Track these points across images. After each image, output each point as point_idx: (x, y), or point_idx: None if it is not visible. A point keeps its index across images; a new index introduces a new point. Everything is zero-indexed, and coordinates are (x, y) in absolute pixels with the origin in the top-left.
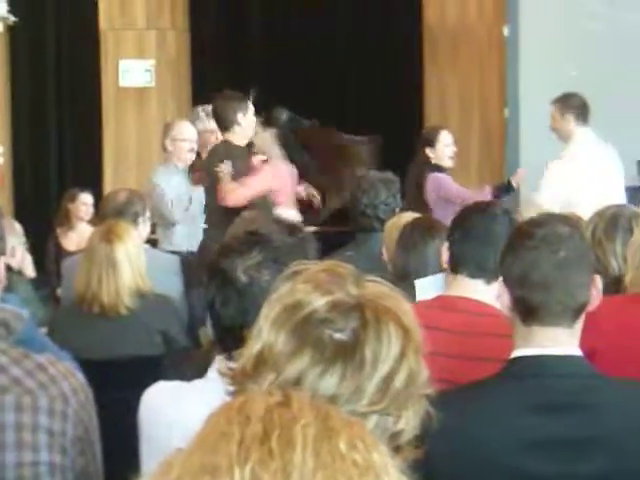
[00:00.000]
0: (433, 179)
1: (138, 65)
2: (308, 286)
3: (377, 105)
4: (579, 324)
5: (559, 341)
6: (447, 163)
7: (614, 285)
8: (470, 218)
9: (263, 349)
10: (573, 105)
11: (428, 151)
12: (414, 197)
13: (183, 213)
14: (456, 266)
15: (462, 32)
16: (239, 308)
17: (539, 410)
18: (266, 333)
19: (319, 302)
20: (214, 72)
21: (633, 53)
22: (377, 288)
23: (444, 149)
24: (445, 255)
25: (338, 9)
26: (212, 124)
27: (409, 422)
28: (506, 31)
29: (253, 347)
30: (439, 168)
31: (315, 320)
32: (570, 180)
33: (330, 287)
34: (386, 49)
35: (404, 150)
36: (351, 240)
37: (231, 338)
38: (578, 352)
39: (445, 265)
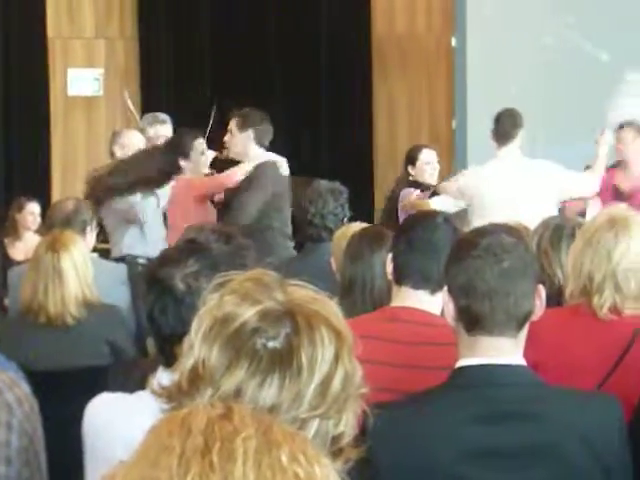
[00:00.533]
0: (402, 194)
1: (86, 74)
2: (236, 297)
3: (326, 116)
4: (523, 334)
5: (503, 350)
6: (426, 180)
7: (559, 295)
8: (412, 228)
9: (197, 364)
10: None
11: (409, 168)
12: (388, 211)
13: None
14: (400, 277)
15: (411, 43)
16: (178, 317)
17: (484, 419)
18: (198, 348)
19: (249, 312)
20: (163, 81)
21: (577, 68)
22: (303, 292)
23: (424, 166)
24: (389, 266)
25: (287, 19)
26: (161, 130)
27: (348, 423)
28: (454, 42)
29: (186, 363)
30: (417, 184)
31: (247, 331)
32: (463, 193)
33: (258, 296)
34: (335, 60)
35: (354, 158)
36: (299, 249)
37: (171, 348)
38: (522, 361)
39: (390, 276)
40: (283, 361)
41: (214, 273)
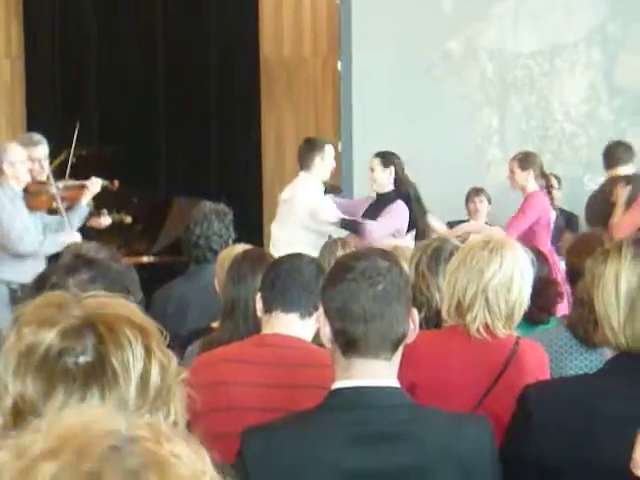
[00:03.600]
0: None
1: None
2: (33, 326)
3: (215, 140)
4: (397, 356)
5: (378, 373)
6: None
7: (437, 318)
8: (278, 265)
9: (16, 402)
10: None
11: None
12: None
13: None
14: (269, 306)
15: (297, 66)
16: None
17: (358, 441)
18: (12, 386)
19: (50, 336)
20: (48, 99)
21: (461, 95)
22: (98, 300)
23: None
24: (259, 303)
25: (174, 40)
26: (35, 152)
27: (178, 412)
28: (340, 65)
29: (5, 403)
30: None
31: (54, 354)
32: None
33: (55, 318)
34: (223, 84)
35: (239, 179)
36: (184, 271)
37: None
38: (396, 384)
39: (259, 314)
40: (97, 372)
41: (107, 280)
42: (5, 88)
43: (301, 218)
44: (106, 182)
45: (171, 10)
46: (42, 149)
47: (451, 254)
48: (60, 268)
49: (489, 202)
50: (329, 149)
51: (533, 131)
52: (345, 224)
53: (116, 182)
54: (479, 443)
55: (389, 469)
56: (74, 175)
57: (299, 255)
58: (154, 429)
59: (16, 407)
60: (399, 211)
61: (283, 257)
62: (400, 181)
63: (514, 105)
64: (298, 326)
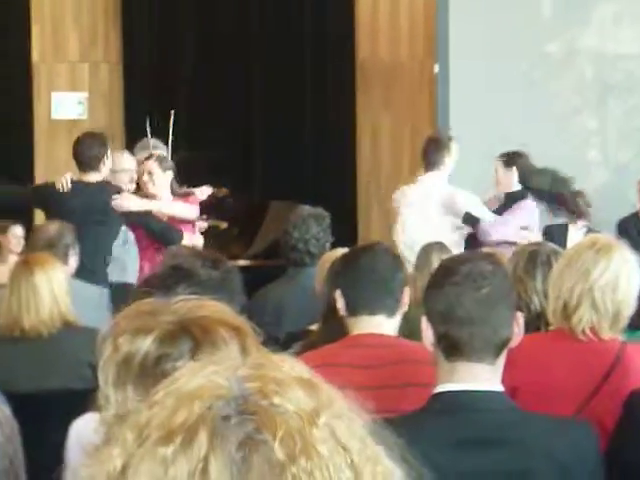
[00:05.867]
0: None
1: (71, 98)
2: (128, 335)
3: (311, 142)
4: (501, 360)
5: (481, 377)
6: None
7: (536, 322)
8: (355, 261)
9: (118, 412)
10: None
11: None
12: None
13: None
14: (355, 308)
15: (394, 70)
16: None
17: (461, 445)
18: (113, 396)
19: (146, 343)
20: (147, 105)
21: (559, 98)
22: (189, 304)
23: None
24: (340, 301)
25: (270, 42)
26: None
27: None
28: (437, 68)
29: (108, 413)
30: None
31: (151, 361)
32: None
33: (149, 325)
34: (319, 85)
35: (336, 185)
36: (283, 274)
37: None
38: (500, 388)
39: (342, 312)
40: None
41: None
42: (103, 94)
43: (449, 217)
44: (214, 190)
45: (268, 13)
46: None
47: (548, 257)
48: (158, 283)
49: (588, 205)
50: (455, 145)
51: (634, 133)
52: (466, 218)
53: (224, 189)
54: (583, 448)
55: (493, 473)
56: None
57: (372, 248)
58: (263, 379)
59: (119, 418)
60: (525, 208)
61: (357, 252)
62: (525, 178)
63: (613, 107)
64: (386, 325)
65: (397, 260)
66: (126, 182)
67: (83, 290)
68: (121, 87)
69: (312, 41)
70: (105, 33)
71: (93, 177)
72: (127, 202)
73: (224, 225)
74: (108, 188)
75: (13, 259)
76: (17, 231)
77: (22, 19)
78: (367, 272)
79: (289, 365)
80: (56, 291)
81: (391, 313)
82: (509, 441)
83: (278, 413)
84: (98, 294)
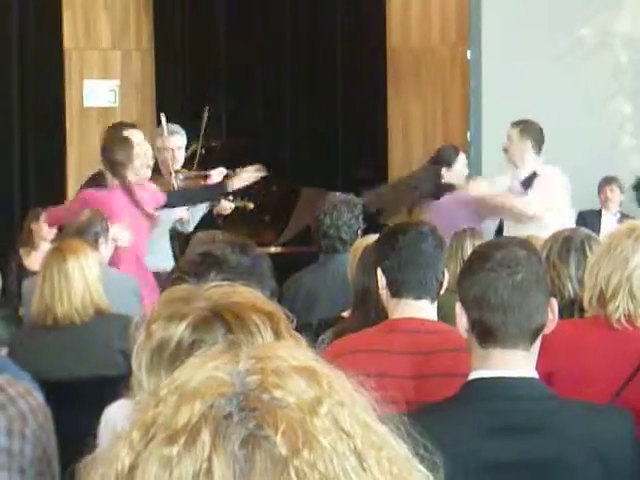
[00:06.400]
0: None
1: (102, 85)
2: (162, 321)
3: (342, 128)
4: (536, 347)
5: (516, 363)
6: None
7: (569, 308)
8: (399, 241)
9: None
10: (534, 132)
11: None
12: None
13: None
14: (399, 291)
15: (425, 55)
16: None
17: (497, 432)
18: (147, 383)
19: (180, 329)
20: (178, 93)
21: (593, 83)
22: (222, 290)
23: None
24: (382, 280)
25: (302, 30)
26: (172, 142)
27: None
28: (469, 54)
29: (141, 397)
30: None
31: (185, 347)
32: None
33: (182, 311)
34: (350, 72)
35: (369, 170)
36: (315, 261)
37: None
38: (535, 374)
39: (382, 290)
40: None
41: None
42: (135, 81)
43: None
44: (229, 171)
45: (301, 2)
46: (176, 139)
47: (582, 243)
48: (190, 270)
49: (621, 191)
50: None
51: None
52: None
53: (238, 170)
54: (619, 435)
55: (528, 460)
56: (203, 166)
57: (418, 229)
58: (264, 371)
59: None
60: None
61: (401, 231)
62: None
63: None
64: (429, 309)
65: (440, 241)
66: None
67: (114, 277)
68: (153, 75)
69: (343, 28)
70: (137, 20)
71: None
72: None
73: (251, 206)
74: None
75: (46, 246)
76: None
77: (53, 6)
78: (414, 254)
79: (289, 352)
80: (88, 279)
81: (434, 298)
82: (545, 428)
83: (279, 407)
84: (128, 281)
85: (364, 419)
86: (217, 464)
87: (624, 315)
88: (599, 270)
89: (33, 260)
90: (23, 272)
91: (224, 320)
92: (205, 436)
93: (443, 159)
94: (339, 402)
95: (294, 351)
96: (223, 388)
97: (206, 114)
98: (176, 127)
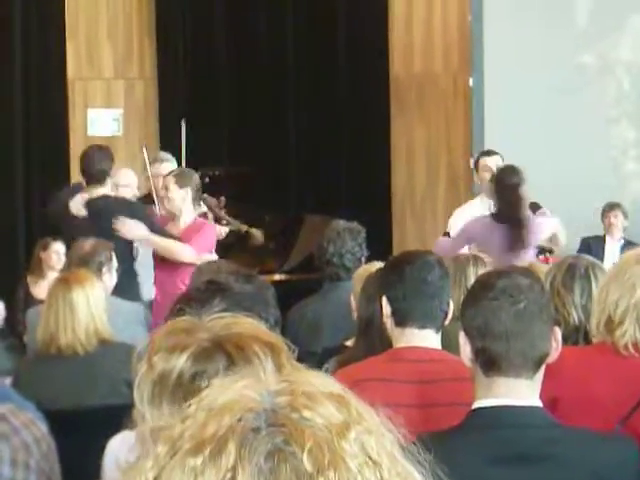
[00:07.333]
0: None
1: (106, 114)
2: (163, 353)
3: (345, 155)
4: (539, 375)
5: (519, 392)
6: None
7: (573, 336)
8: (404, 270)
9: (154, 429)
10: None
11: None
12: None
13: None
14: (404, 320)
15: (428, 82)
16: None
17: (502, 461)
18: (149, 415)
19: (181, 361)
20: (182, 121)
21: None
22: (224, 321)
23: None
24: (387, 308)
25: (304, 57)
26: (163, 169)
27: None
28: (471, 81)
29: (145, 431)
30: None
31: (187, 379)
32: None
33: (183, 343)
34: (354, 101)
35: (372, 197)
36: (318, 288)
37: None
38: (538, 403)
39: (386, 319)
40: None
41: (239, 311)
42: (139, 110)
43: None
44: (212, 199)
45: (302, 27)
46: (166, 167)
47: (586, 271)
48: (193, 297)
49: (625, 217)
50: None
51: None
52: None
53: (222, 199)
54: (624, 464)
55: None
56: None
57: (424, 258)
58: (294, 393)
59: (154, 430)
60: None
61: (406, 260)
62: None
63: None
64: (433, 338)
65: (446, 272)
66: (129, 196)
67: (120, 306)
68: (156, 104)
69: (346, 55)
70: (140, 50)
71: (100, 191)
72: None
73: (244, 228)
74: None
75: (53, 275)
76: (58, 247)
77: (57, 36)
78: (419, 283)
79: (320, 381)
80: (93, 309)
81: (439, 328)
82: (548, 457)
83: (307, 426)
84: (135, 310)
85: (391, 450)
86: (241, 475)
87: (631, 341)
88: (607, 296)
89: (41, 289)
90: (31, 300)
91: (225, 351)
92: (231, 447)
93: None
94: (367, 430)
95: (324, 380)
96: (253, 404)
97: (145, 154)
98: (167, 155)
